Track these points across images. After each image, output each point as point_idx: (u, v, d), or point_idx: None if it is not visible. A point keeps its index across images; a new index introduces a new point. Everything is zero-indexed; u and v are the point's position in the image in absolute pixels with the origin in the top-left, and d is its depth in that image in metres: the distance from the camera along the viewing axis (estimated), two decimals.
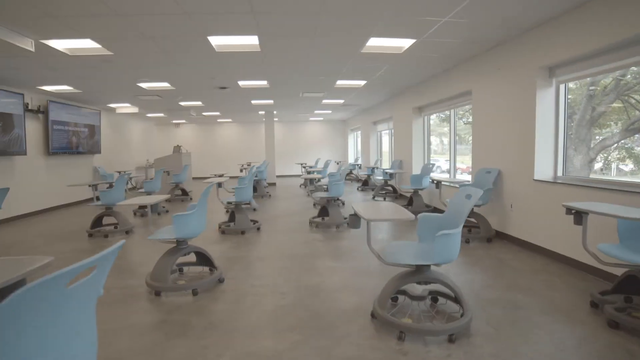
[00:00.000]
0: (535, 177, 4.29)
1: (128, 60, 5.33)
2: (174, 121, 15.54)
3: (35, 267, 1.53)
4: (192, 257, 3.78)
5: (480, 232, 4.86)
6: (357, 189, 11.00)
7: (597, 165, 4.27)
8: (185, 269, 3.95)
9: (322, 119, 16.02)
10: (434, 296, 2.97)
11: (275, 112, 12.89)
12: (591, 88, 4.23)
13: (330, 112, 13.06)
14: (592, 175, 4.12)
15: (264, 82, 7.41)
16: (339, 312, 2.88)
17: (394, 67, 6.17)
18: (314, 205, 7.84)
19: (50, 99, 7.74)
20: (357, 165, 13.37)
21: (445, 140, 6.96)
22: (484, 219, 4.92)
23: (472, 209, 4.96)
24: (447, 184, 6.18)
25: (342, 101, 10.26)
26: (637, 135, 3.98)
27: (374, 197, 9.04)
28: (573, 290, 3.22)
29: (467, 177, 6.56)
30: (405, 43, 4.85)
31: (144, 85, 7.23)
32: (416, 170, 7.88)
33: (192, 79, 6.86)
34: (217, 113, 12.90)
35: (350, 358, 2.24)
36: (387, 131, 11.18)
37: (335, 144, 16.93)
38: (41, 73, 5.96)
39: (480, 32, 4.37)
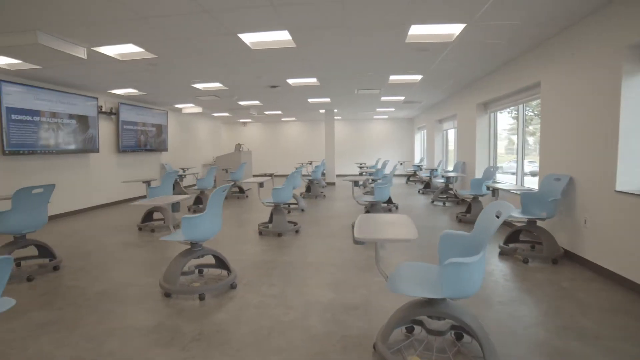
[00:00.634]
0: (618, 188, 3.42)
1: (172, 62, 5.52)
2: (240, 120, 16.21)
3: None
4: (211, 259, 3.75)
5: (544, 251, 4.06)
6: (419, 191, 10.29)
7: None
8: (205, 270, 3.95)
9: (386, 117, 15.39)
10: (458, 332, 2.47)
11: (335, 110, 12.68)
12: None
13: (393, 109, 12.44)
14: None
15: (313, 80, 7.23)
16: (339, 338, 2.54)
17: (449, 58, 5.50)
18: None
19: (121, 101, 8.50)
20: (420, 166, 12.55)
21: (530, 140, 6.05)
22: (549, 235, 4.11)
23: (535, 221, 4.22)
24: (513, 191, 5.35)
25: (402, 98, 9.65)
26: None
27: (432, 202, 8.33)
28: None
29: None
30: (454, 29, 4.25)
31: (198, 86, 7.53)
32: (480, 173, 7.03)
33: (240, 79, 6.94)
34: (279, 112, 13.11)
35: None
36: (453, 130, 10.26)
37: (401, 143, 16.16)
38: (108, 78, 6.50)
39: (545, 10, 3.62)
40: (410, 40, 4.60)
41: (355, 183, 6.13)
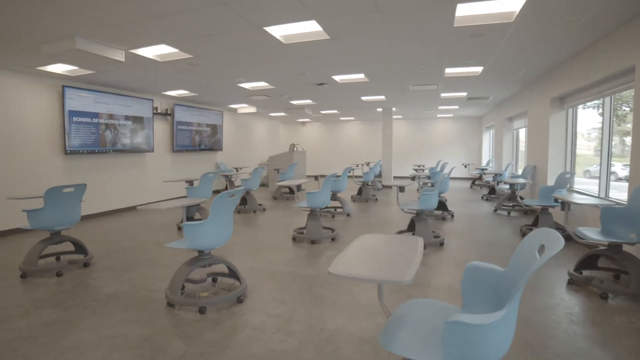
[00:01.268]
0: None
1: (209, 61, 5.43)
2: (298, 120, 16.18)
3: None
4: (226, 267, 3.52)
5: (631, 285, 3.13)
6: (482, 197, 9.19)
7: None
8: (220, 279, 3.73)
9: (450, 115, 14.18)
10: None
11: (394, 108, 11.96)
12: None
13: (456, 107, 11.35)
14: None
15: (360, 76, 6.73)
16: None
17: (512, 44, 4.64)
18: None
19: (175, 102, 8.83)
20: (484, 169, 11.28)
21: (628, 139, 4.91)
22: (638, 263, 3.16)
23: (621, 246, 3.29)
24: (591, 203, 4.30)
25: (464, 94, 8.67)
26: None
27: (495, 210, 7.30)
28: None
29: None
30: (514, 5, 3.48)
31: (245, 85, 7.46)
32: (552, 179, 5.93)
33: (284, 77, 6.69)
34: (335, 111, 12.76)
35: None
36: (525, 129, 8.98)
37: (467, 144, 14.79)
38: (158, 80, 6.70)
39: None
40: (460, 23, 3.90)
41: (401, 189, 5.51)
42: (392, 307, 2.03)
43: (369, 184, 9.65)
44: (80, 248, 4.39)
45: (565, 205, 3.88)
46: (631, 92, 4.05)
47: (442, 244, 4.92)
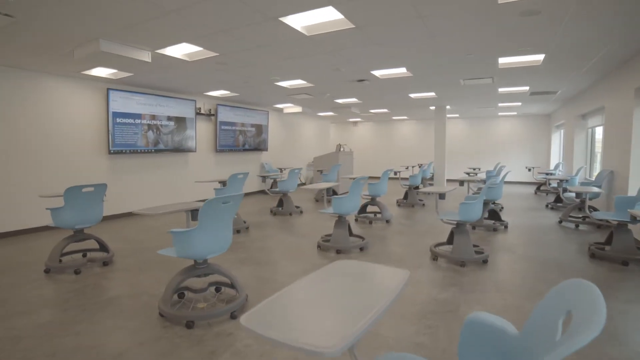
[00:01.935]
0: None
1: (236, 59, 5.22)
2: (349, 119, 15.70)
3: None
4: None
5: None
6: (547, 206, 7.97)
7: None
8: (224, 289, 3.46)
9: (514, 113, 12.68)
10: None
11: (448, 106, 10.98)
12: None
13: (519, 104, 10.04)
14: None
15: (402, 70, 6.11)
16: None
17: (581, 22, 3.76)
18: None
19: (219, 102, 8.87)
20: (551, 174, 9.85)
21: None
22: None
23: None
24: None
25: (526, 88, 7.56)
26: None
27: (560, 222, 6.21)
28: None
29: None
30: None
31: (283, 84, 7.21)
32: (634, 189, 4.81)
33: (319, 73, 6.30)
34: (385, 110, 12.09)
35: None
36: (601, 128, 7.59)
37: (534, 144, 13.15)
38: (196, 80, 6.71)
39: None
40: None
41: (441, 195, 4.83)
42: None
43: (417, 187, 8.91)
44: (103, 246, 4.43)
45: None
46: None
47: (485, 261, 4.18)
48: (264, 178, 7.43)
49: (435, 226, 6.09)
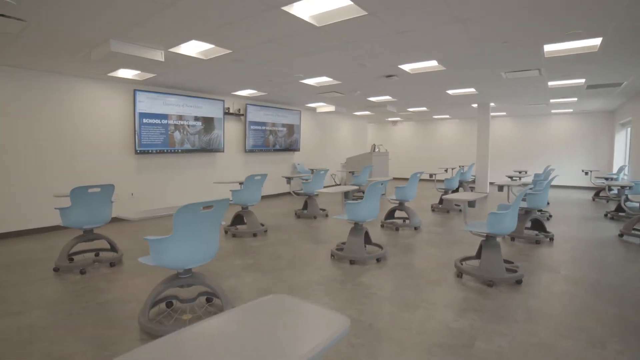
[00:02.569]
0: None
1: (250, 55, 4.95)
2: (388, 119, 15.02)
3: None
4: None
5: None
6: (606, 215, 6.86)
7: None
8: (215, 299, 3.18)
9: (570, 110, 11.27)
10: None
11: (492, 104, 10.01)
12: None
13: (574, 99, 8.83)
14: None
15: (433, 63, 5.51)
16: None
17: None
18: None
19: (248, 102, 8.72)
20: (611, 178, 8.55)
21: None
22: None
23: None
24: None
25: (581, 81, 6.54)
26: None
27: (621, 235, 5.24)
28: None
29: None
30: None
31: (308, 81, 6.87)
32: None
33: (342, 69, 5.87)
34: (424, 108, 11.33)
35: None
36: None
37: (594, 145, 11.64)
38: (219, 80, 6.58)
39: None
40: None
41: (471, 203, 4.20)
42: None
43: (455, 191, 8.14)
44: (113, 247, 4.37)
45: None
46: None
47: (519, 281, 3.52)
48: (288, 179, 7.12)
49: (469, 236, 5.39)
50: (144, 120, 6.57)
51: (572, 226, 6.09)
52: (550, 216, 6.76)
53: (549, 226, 5.87)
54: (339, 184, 12.04)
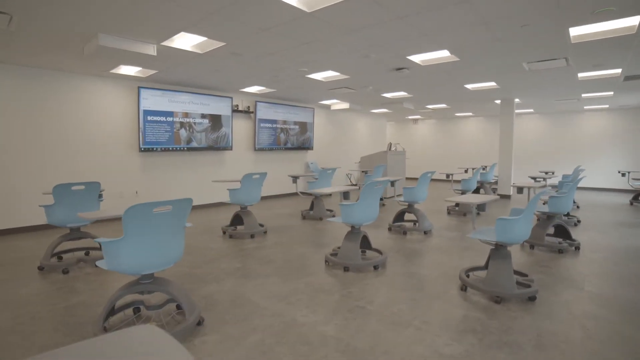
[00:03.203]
0: None
1: (246, 48, 4.65)
2: (409, 117, 14.39)
3: None
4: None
5: None
6: None
7: None
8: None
9: (605, 106, 10.25)
10: None
11: (517, 99, 9.26)
12: None
13: (610, 93, 7.96)
14: None
15: (444, 53, 5.01)
16: None
17: None
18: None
19: (257, 99, 8.46)
20: None
21: None
22: None
23: None
24: None
25: (617, 71, 5.79)
26: None
27: None
28: None
29: None
30: None
31: (316, 76, 6.50)
32: None
33: (348, 62, 5.47)
34: (444, 105, 10.68)
35: None
36: None
37: (632, 144, 10.54)
38: (224, 75, 6.34)
39: None
40: None
41: (480, 207, 3.70)
42: None
43: (475, 193, 7.54)
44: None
45: None
46: None
47: (532, 298, 3.01)
48: (294, 178, 6.79)
49: (479, 244, 4.87)
50: (149, 118, 6.44)
51: (604, 233, 5.39)
52: (579, 221, 6.06)
53: (575, 233, 5.23)
54: (355, 184, 11.60)
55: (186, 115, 6.96)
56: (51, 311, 2.85)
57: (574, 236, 4.69)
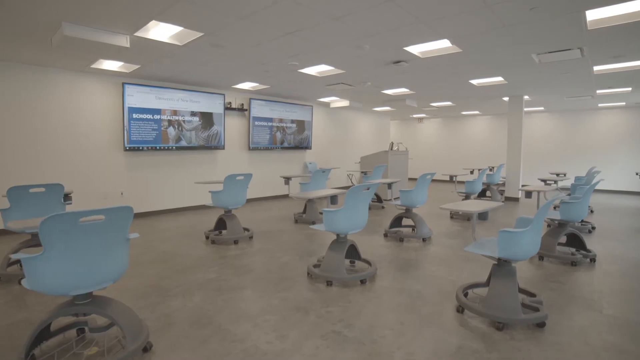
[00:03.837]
0: None
1: (226, 39, 4.24)
2: (414, 115, 13.86)
3: None
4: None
5: None
6: None
7: None
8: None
9: (622, 104, 9.59)
10: None
11: (526, 97, 8.70)
12: None
13: (628, 89, 7.35)
14: None
15: (445, 43, 4.55)
16: None
17: None
18: None
19: (252, 97, 8.05)
20: None
21: None
22: None
23: None
24: None
25: (638, 63, 5.23)
26: None
27: None
28: None
29: None
30: None
31: (308, 71, 6.07)
32: None
33: (340, 54, 5.01)
34: (449, 103, 10.16)
35: None
36: None
37: None
38: (212, 70, 5.96)
39: None
40: None
41: (481, 215, 3.22)
42: None
43: (481, 196, 7.04)
44: None
45: None
46: None
47: (541, 324, 2.54)
48: (287, 179, 6.37)
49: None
50: (134, 115, 6.08)
51: (622, 242, 4.86)
52: (593, 228, 5.52)
53: (590, 242, 4.71)
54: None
55: (175, 112, 6.60)
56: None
57: (589, 246, 4.18)
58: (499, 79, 6.65)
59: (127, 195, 6.29)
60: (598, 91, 7.60)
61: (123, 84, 5.95)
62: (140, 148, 6.21)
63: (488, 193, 8.78)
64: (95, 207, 6.00)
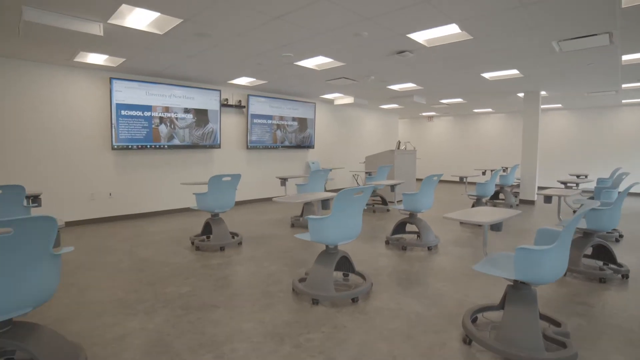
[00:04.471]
0: None
1: (211, 25, 3.81)
2: (423, 113, 13.25)
3: None
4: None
5: None
6: None
7: None
8: None
9: None
10: None
11: (543, 92, 8.05)
12: None
13: None
14: None
15: (453, 29, 4.02)
16: None
17: None
18: None
19: (250, 93, 7.62)
20: None
21: None
22: None
23: None
24: None
25: None
26: None
27: None
28: None
29: None
30: None
31: (305, 63, 5.59)
32: None
33: (337, 42, 4.52)
34: (460, 100, 9.56)
35: None
36: None
37: None
38: (202, 64, 5.55)
39: None
40: None
41: (495, 227, 2.69)
42: None
43: (494, 198, 6.47)
44: None
45: None
46: None
47: None
48: (283, 180, 5.93)
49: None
50: (123, 112, 5.72)
51: None
52: (621, 236, 4.91)
53: (619, 253, 4.11)
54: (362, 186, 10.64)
55: (167, 109, 6.21)
56: None
57: (619, 259, 3.61)
58: (514, 71, 6.06)
59: (116, 197, 5.94)
60: (624, 85, 6.91)
61: (110, 79, 5.59)
62: (130, 147, 5.84)
63: (501, 196, 8.18)
64: (80, 210, 5.70)
